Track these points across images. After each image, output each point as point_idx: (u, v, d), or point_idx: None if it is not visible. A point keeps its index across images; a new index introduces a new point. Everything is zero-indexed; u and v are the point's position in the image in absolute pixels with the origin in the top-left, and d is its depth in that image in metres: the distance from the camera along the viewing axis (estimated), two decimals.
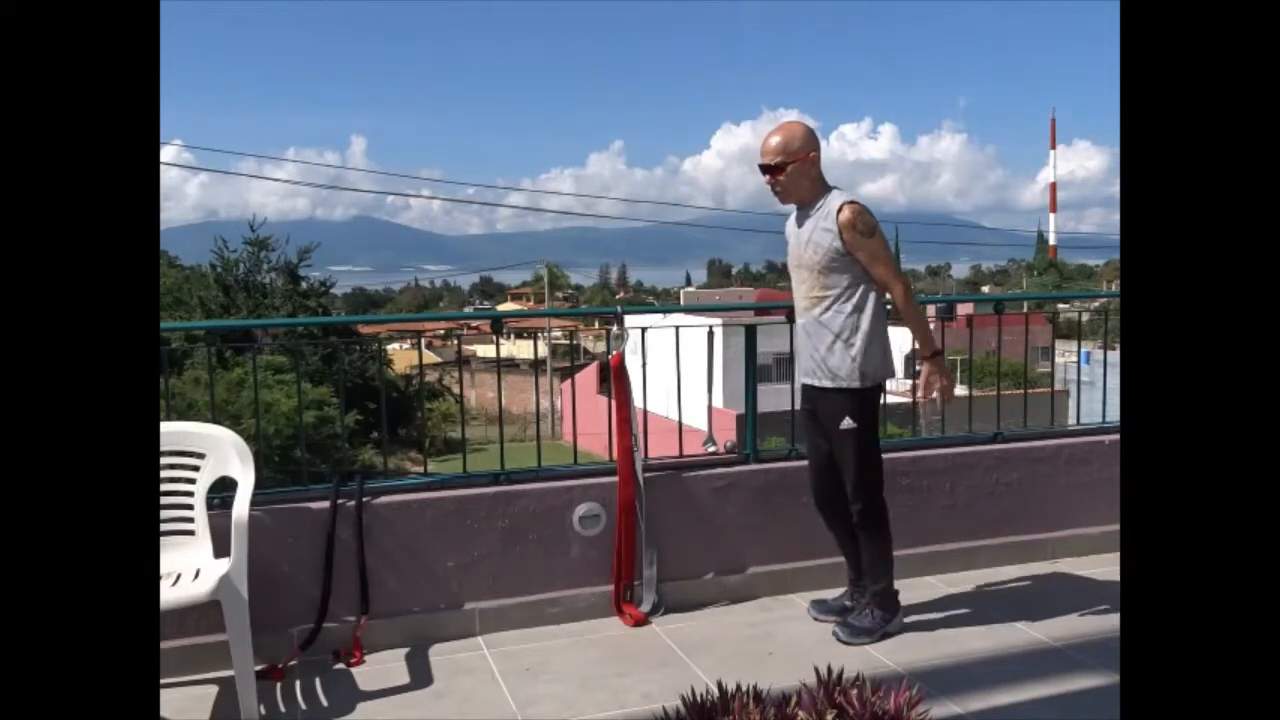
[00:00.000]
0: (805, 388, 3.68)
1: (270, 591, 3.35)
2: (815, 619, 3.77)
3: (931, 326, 3.64)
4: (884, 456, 3.63)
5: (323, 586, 3.53)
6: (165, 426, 3.24)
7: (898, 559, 3.83)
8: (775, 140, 3.50)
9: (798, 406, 3.81)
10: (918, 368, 3.61)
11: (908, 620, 3.68)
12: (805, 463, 4.17)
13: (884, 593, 3.63)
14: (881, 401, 3.69)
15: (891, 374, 3.61)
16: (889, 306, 3.60)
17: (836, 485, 3.67)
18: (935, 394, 3.54)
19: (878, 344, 3.49)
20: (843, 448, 3.56)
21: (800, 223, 3.57)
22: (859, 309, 3.46)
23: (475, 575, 3.73)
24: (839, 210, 3.41)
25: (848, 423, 3.50)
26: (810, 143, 3.50)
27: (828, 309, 3.49)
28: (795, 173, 3.49)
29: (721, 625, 3.78)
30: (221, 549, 3.20)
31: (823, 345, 3.51)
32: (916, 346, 3.59)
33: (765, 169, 3.53)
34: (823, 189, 3.53)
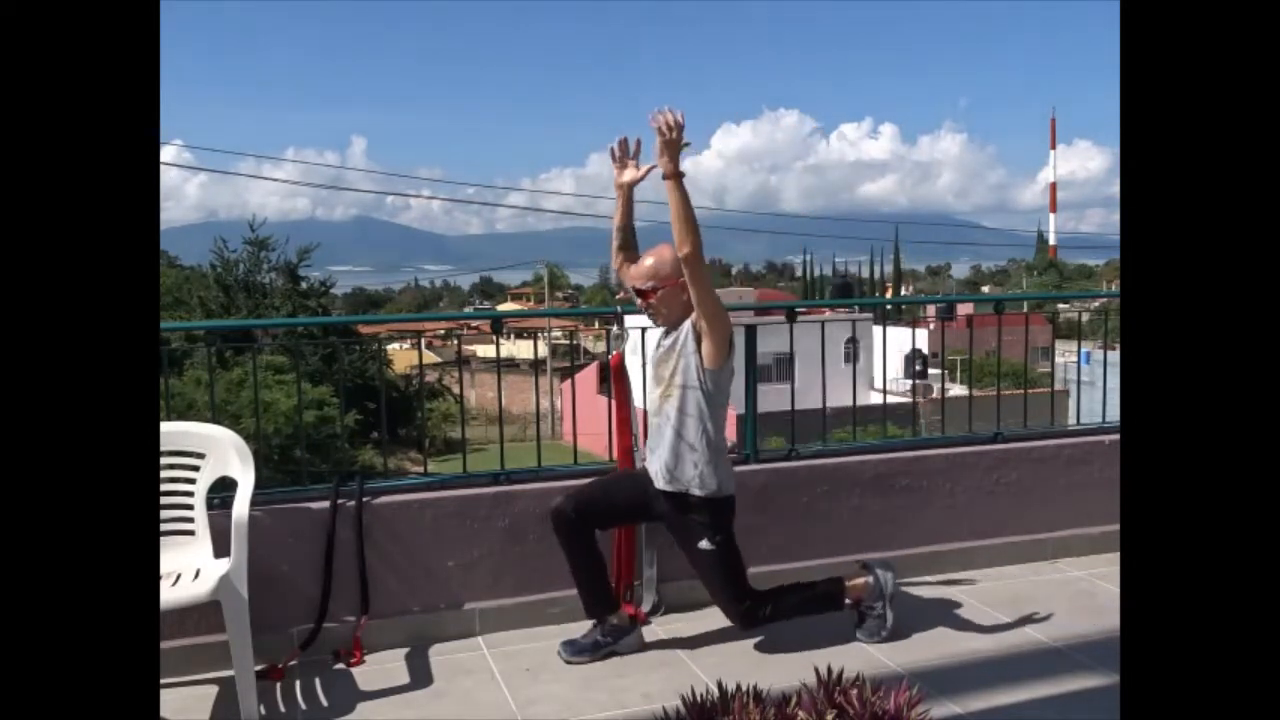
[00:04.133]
0: (651, 485, 3.49)
1: (270, 591, 3.35)
2: (567, 661, 3.47)
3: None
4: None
5: (323, 586, 3.53)
6: (165, 426, 3.24)
7: (899, 559, 3.84)
8: (648, 263, 3.41)
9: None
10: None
11: (908, 620, 3.68)
12: (805, 463, 4.18)
13: (852, 608, 3.59)
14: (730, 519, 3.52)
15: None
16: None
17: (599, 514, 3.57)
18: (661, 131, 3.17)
19: (724, 457, 3.44)
20: (707, 566, 3.47)
21: (666, 335, 3.50)
22: (703, 414, 3.37)
23: (475, 575, 3.73)
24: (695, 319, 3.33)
25: (705, 544, 3.42)
26: (679, 269, 3.32)
27: (677, 408, 3.38)
28: (666, 296, 3.40)
29: (721, 625, 3.77)
30: (221, 549, 3.20)
31: (668, 450, 3.40)
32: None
33: (638, 292, 3.45)
34: (691, 313, 3.39)
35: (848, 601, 3.62)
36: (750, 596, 3.50)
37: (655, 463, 3.48)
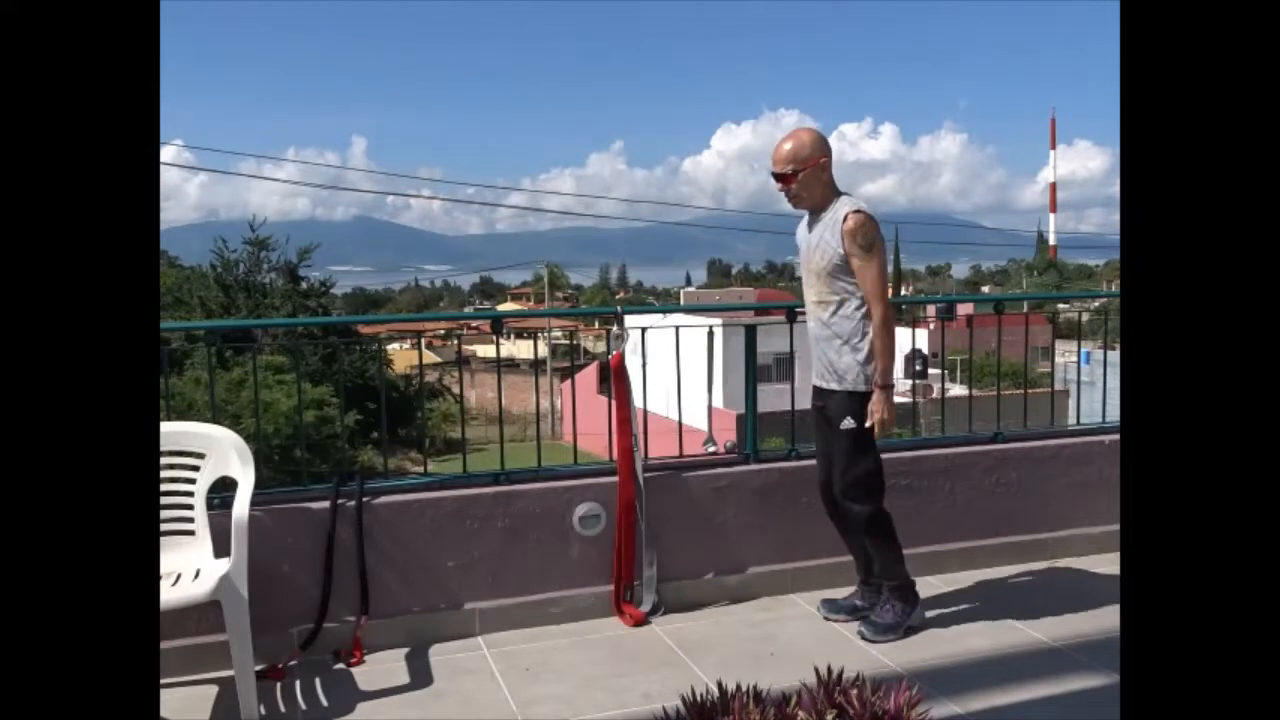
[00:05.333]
0: (816, 389, 3.73)
1: (270, 591, 3.35)
2: (826, 619, 3.79)
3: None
4: (884, 456, 3.64)
5: (323, 586, 3.53)
6: (165, 426, 3.23)
7: None
8: (786, 148, 3.57)
9: (807, 405, 3.84)
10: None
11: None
12: (805, 463, 4.17)
13: (901, 588, 3.67)
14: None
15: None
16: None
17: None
18: (873, 424, 3.53)
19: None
20: (840, 447, 3.59)
21: (810, 227, 3.65)
22: (865, 314, 3.50)
23: (475, 575, 3.73)
24: (845, 218, 3.47)
25: (848, 422, 3.55)
26: (820, 149, 3.56)
27: (834, 313, 3.55)
28: (806, 179, 3.55)
29: (721, 625, 3.78)
30: (221, 549, 3.20)
31: (830, 349, 3.57)
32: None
33: (777, 176, 3.60)
34: (833, 194, 3.59)
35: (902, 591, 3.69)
36: (872, 500, 3.60)
37: (818, 366, 3.64)
